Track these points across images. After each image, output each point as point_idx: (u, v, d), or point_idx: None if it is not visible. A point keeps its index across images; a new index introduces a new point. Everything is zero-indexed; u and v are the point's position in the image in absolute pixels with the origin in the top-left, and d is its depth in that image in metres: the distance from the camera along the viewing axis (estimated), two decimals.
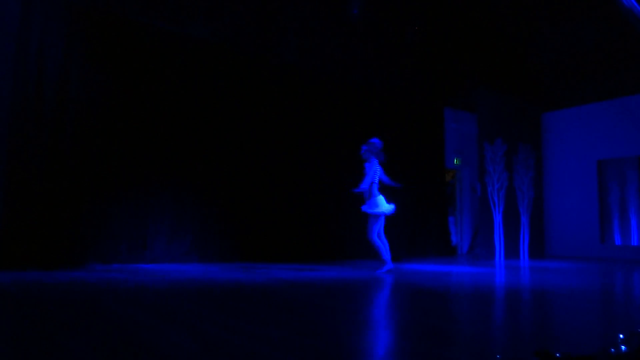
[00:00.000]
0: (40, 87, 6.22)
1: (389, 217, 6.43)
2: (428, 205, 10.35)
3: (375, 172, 6.29)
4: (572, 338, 2.71)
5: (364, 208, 6.21)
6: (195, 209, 7.38)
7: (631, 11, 2.81)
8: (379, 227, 6.24)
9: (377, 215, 6.18)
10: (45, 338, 2.42)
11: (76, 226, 6.31)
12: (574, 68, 10.72)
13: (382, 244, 6.21)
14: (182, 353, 2.20)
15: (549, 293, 4.72)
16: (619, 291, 5.28)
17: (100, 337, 2.50)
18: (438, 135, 10.83)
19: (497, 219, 9.85)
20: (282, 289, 4.58)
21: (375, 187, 6.24)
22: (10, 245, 5.79)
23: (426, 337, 2.65)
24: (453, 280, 5.95)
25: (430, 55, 10.68)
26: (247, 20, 8.13)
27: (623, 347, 1.91)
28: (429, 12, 10.60)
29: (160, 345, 2.32)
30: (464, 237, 11.55)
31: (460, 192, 11.77)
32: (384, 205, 6.18)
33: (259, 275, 5.74)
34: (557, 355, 1.86)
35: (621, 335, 2.00)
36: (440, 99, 10.97)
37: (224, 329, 2.68)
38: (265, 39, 8.34)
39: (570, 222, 10.91)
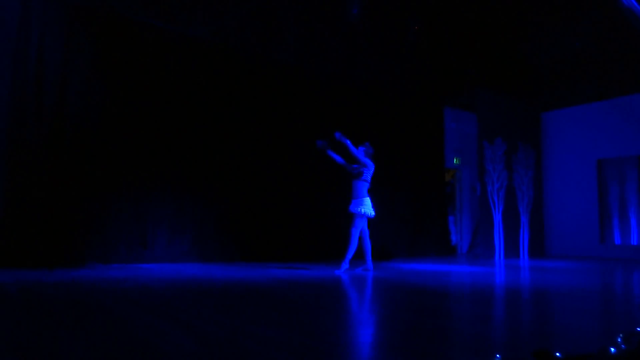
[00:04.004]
0: (40, 86, 6.22)
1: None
2: (428, 204, 10.34)
3: (370, 169, 6.25)
4: (572, 337, 2.71)
5: (351, 208, 6.16)
6: (194, 208, 7.38)
7: (631, 10, 2.81)
8: (360, 227, 6.21)
9: (361, 215, 6.14)
10: (44, 337, 2.42)
11: (76, 225, 6.31)
12: (573, 67, 10.72)
13: (354, 244, 6.17)
14: (181, 352, 2.20)
15: (548, 292, 4.72)
16: (618, 290, 5.29)
17: (100, 336, 2.50)
18: (438, 134, 10.83)
19: (497, 218, 9.85)
20: (281, 289, 4.58)
21: (365, 188, 6.21)
22: (10, 244, 5.79)
23: (426, 336, 2.65)
24: (453, 279, 5.95)
25: (430, 54, 10.68)
26: (247, 20, 8.12)
27: (623, 346, 1.91)
28: (429, 11, 10.60)
29: (160, 345, 2.32)
30: (463, 236, 11.56)
31: (460, 191, 11.77)
32: (368, 207, 6.15)
33: (258, 274, 5.74)
34: (557, 354, 1.86)
35: (621, 335, 2.00)
36: (440, 98, 10.97)
37: (223, 328, 2.69)
38: (265, 39, 8.34)
39: (570, 221, 10.91)
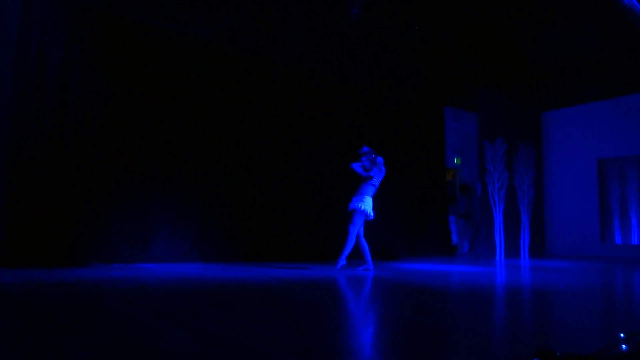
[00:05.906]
0: (41, 86, 6.22)
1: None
2: (428, 204, 10.34)
3: (380, 176, 6.28)
4: (573, 337, 2.71)
5: (351, 204, 6.17)
6: (196, 208, 7.39)
7: (631, 10, 2.81)
8: (359, 224, 6.20)
9: (360, 212, 6.13)
10: (45, 338, 2.42)
11: (77, 225, 6.31)
12: (574, 67, 10.71)
13: (352, 241, 6.15)
14: (182, 352, 2.20)
15: (549, 292, 4.71)
16: (619, 290, 5.28)
17: (101, 336, 2.50)
18: (438, 134, 10.82)
19: (498, 218, 9.85)
20: (282, 288, 4.58)
21: (371, 190, 6.21)
22: (12, 244, 5.79)
23: (426, 336, 2.65)
24: (453, 279, 5.95)
25: (431, 54, 10.67)
26: (247, 20, 8.12)
27: (624, 346, 1.91)
28: (429, 11, 10.59)
29: (161, 344, 2.32)
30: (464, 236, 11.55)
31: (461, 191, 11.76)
32: (368, 206, 6.14)
33: (259, 274, 5.74)
34: (558, 354, 1.85)
35: (622, 335, 2.00)
36: (440, 98, 10.96)
37: (224, 328, 2.68)
38: (265, 39, 8.33)
39: (571, 221, 10.90)
